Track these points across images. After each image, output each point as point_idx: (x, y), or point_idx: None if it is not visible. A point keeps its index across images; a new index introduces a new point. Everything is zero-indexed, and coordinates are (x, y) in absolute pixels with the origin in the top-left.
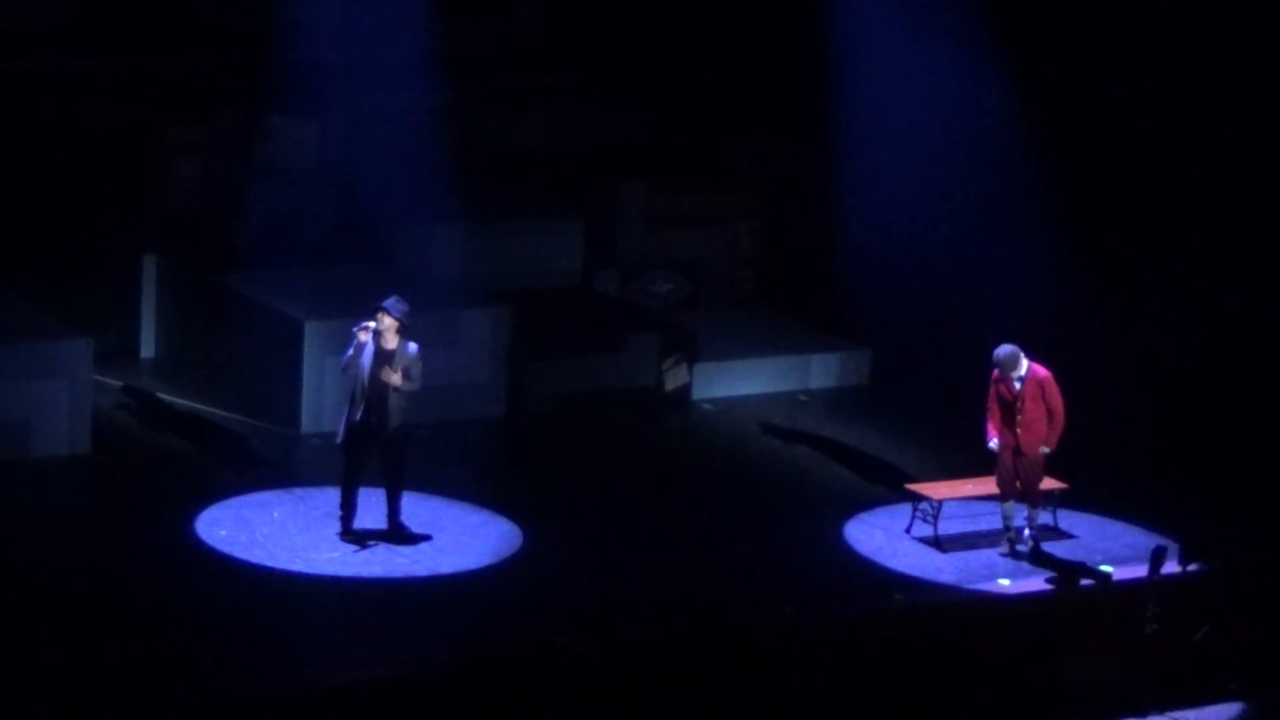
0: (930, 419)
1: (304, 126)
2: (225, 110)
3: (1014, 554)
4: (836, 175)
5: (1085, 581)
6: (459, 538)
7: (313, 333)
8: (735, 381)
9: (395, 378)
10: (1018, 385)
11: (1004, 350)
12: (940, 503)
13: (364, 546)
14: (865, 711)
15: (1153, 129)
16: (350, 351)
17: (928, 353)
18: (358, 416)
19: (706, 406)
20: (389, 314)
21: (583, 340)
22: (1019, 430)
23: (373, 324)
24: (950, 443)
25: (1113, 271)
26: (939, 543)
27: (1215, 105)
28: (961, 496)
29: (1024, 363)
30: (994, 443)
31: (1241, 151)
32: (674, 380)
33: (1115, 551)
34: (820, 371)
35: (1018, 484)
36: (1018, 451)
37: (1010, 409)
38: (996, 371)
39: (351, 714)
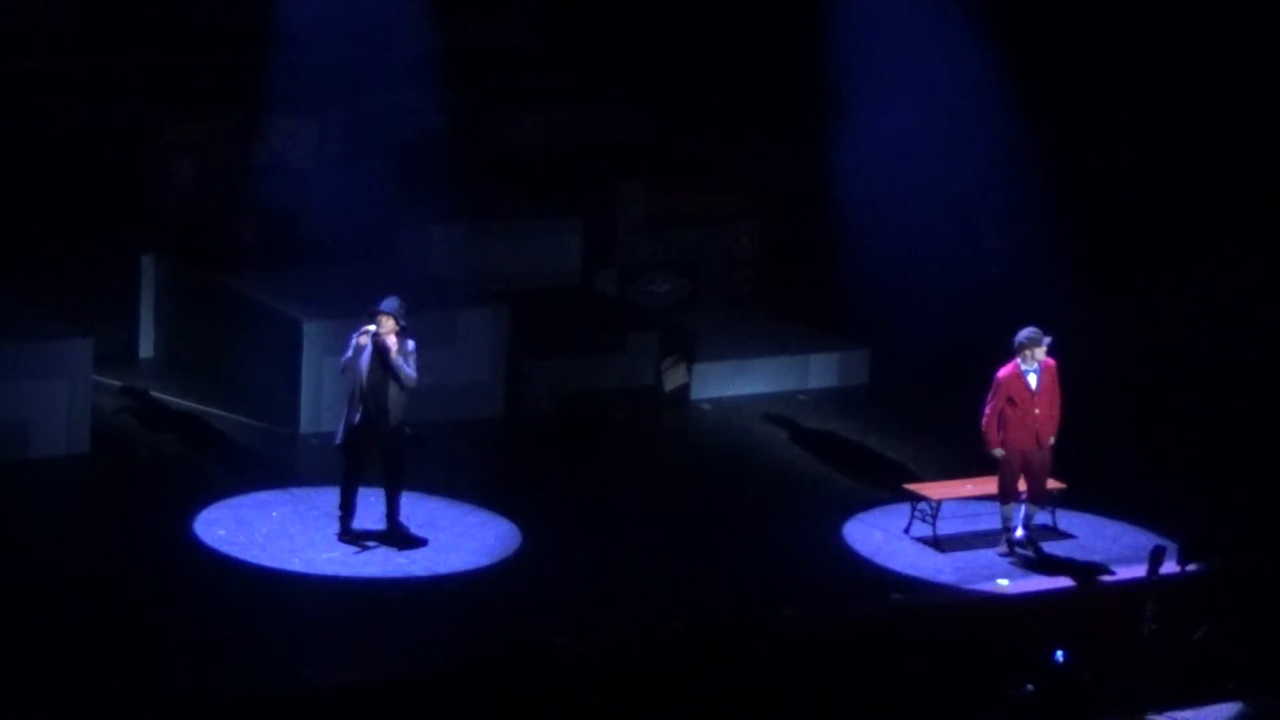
0: (929, 419)
1: (304, 126)
2: (225, 110)
3: (1015, 554)
4: (836, 176)
5: (1108, 578)
6: (457, 538)
7: (312, 333)
8: (734, 381)
9: (393, 341)
10: (1033, 378)
11: (1031, 330)
12: (939, 503)
13: (363, 547)
14: (864, 712)
15: (1155, 127)
16: (349, 354)
17: (927, 353)
18: (357, 418)
19: (705, 406)
20: (388, 316)
21: (582, 340)
22: (1037, 425)
23: (373, 327)
24: (949, 443)
25: (1113, 270)
26: (938, 543)
27: (1218, 103)
28: (960, 497)
29: None
30: (998, 450)
31: (1244, 151)
32: (673, 380)
33: (1115, 551)
34: (819, 371)
35: (1021, 484)
36: (1037, 445)
37: (1027, 406)
38: (1007, 370)
39: (351, 714)
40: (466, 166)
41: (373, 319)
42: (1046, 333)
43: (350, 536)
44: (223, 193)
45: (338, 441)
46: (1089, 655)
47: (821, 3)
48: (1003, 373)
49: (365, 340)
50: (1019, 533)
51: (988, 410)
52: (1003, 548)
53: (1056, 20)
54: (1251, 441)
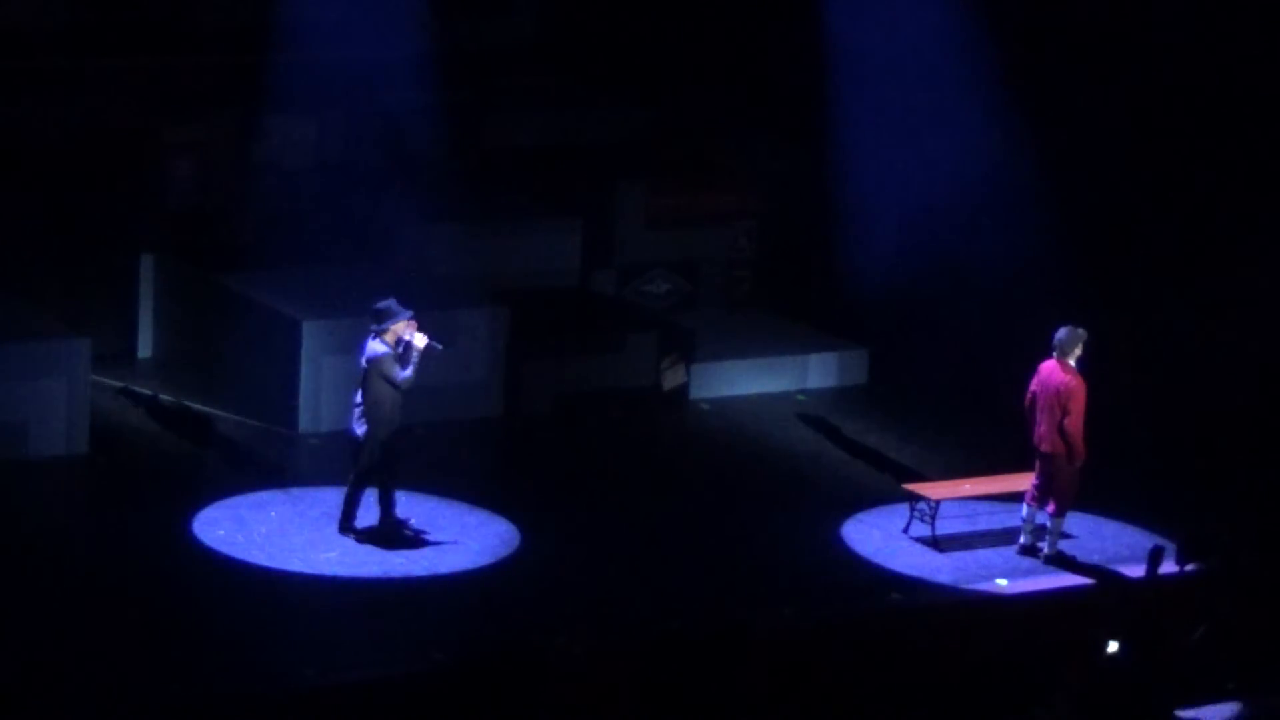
0: (928, 419)
1: (303, 126)
2: (224, 110)
3: (1057, 557)
4: (835, 175)
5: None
6: (457, 537)
7: (311, 332)
8: (733, 381)
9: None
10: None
11: (1073, 330)
12: (938, 503)
13: (362, 543)
14: (864, 712)
15: (1155, 125)
16: (413, 369)
17: (926, 353)
18: (398, 422)
19: (704, 406)
20: (404, 316)
21: (581, 340)
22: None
23: (420, 334)
24: (948, 443)
25: (1112, 270)
26: (936, 543)
27: (1220, 104)
28: (959, 496)
29: None
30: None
31: (1245, 150)
32: (672, 380)
33: (1113, 551)
34: (818, 371)
35: (1030, 484)
36: None
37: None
38: (1075, 375)
39: (350, 714)
40: (466, 166)
41: (383, 330)
42: (1077, 327)
43: (355, 532)
44: (222, 193)
45: (379, 453)
46: (1148, 647)
47: (822, 2)
48: (1076, 380)
49: (421, 344)
50: (1024, 537)
51: (1080, 422)
52: (1049, 551)
53: (1058, 17)
54: (1251, 442)
